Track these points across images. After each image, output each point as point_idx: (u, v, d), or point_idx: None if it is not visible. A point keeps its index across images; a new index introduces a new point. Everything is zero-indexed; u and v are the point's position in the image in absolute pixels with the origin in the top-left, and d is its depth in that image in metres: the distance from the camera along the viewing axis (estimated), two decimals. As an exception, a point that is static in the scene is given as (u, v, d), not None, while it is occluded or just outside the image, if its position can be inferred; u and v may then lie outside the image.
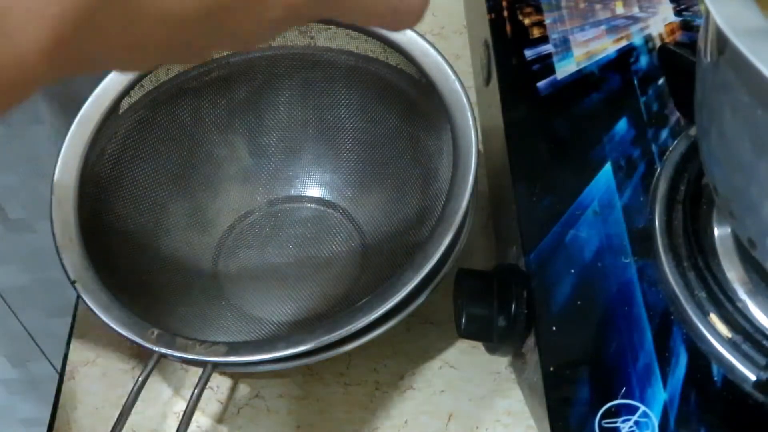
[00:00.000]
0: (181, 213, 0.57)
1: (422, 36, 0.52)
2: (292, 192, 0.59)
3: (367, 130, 0.57)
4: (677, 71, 0.46)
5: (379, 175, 0.57)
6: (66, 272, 0.47)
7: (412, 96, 0.54)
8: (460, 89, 0.49)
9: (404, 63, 0.53)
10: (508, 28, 0.53)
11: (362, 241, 0.56)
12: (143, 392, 0.46)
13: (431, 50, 0.51)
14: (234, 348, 0.45)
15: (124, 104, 0.54)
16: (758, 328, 0.40)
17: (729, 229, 0.43)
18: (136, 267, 0.53)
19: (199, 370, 0.45)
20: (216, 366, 0.45)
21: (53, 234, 0.49)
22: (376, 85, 0.56)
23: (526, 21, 0.53)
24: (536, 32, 0.53)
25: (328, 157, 0.59)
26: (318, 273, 0.56)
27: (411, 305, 0.47)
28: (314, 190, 0.59)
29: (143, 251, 0.54)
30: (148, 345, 0.45)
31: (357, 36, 0.54)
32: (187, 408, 0.44)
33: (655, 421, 0.39)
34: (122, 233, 0.53)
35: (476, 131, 0.48)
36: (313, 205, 0.59)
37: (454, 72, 0.50)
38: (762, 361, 0.39)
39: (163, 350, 0.45)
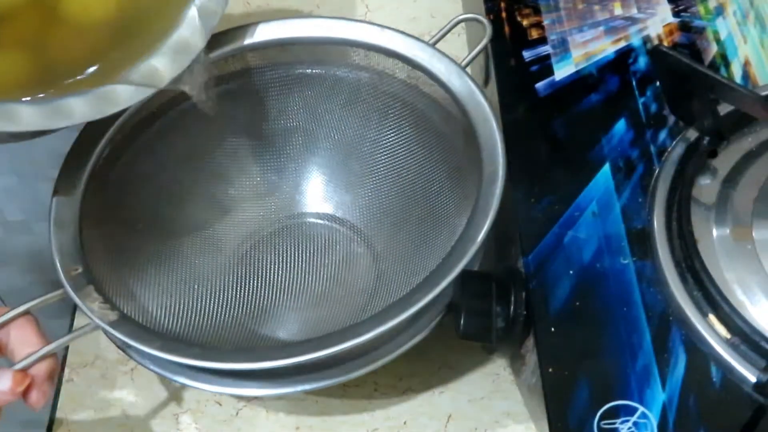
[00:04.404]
0: (190, 230, 0.56)
1: (456, 63, 0.50)
2: (304, 209, 0.58)
3: (385, 150, 0.56)
4: (671, 73, 0.46)
5: (396, 197, 0.56)
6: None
7: (434, 119, 0.53)
8: (491, 117, 0.48)
9: (436, 92, 0.51)
10: (506, 29, 0.53)
11: (375, 264, 0.55)
12: (142, 393, 0.46)
13: (469, 82, 0.50)
14: (122, 322, 0.44)
15: (129, 114, 0.52)
16: (757, 330, 0.40)
17: (727, 230, 0.43)
18: (141, 287, 0.51)
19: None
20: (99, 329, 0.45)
21: (57, 269, 0.47)
22: (396, 106, 0.55)
23: (525, 22, 0.53)
24: (534, 33, 0.53)
25: (342, 175, 0.58)
26: (327, 294, 0.55)
27: (411, 340, 0.46)
28: (326, 208, 0.58)
29: (148, 269, 0.52)
30: (62, 276, 0.45)
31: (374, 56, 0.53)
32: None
33: (654, 422, 0.39)
34: (126, 255, 0.52)
35: (505, 169, 0.46)
36: (323, 222, 0.58)
37: (485, 97, 0.49)
38: (761, 362, 0.39)
39: (69, 289, 0.45)
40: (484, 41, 0.52)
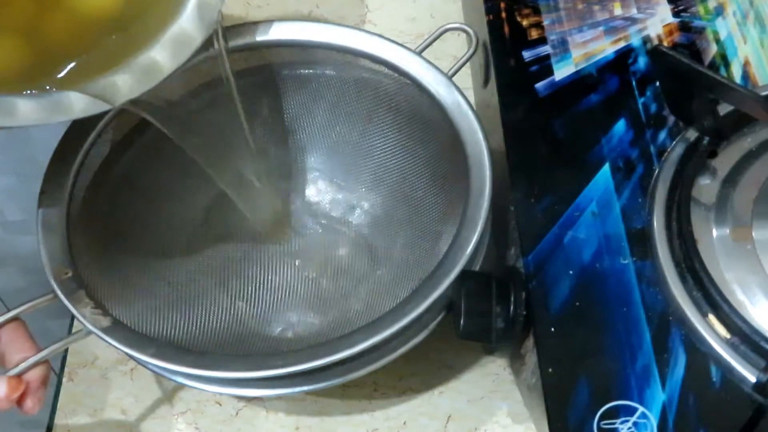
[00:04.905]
0: (182, 234, 0.55)
1: (443, 73, 0.50)
2: (297, 215, 0.58)
3: (375, 158, 0.56)
4: (671, 73, 0.46)
5: (389, 205, 0.56)
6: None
7: (422, 127, 0.53)
8: (478, 128, 0.48)
9: (424, 100, 0.51)
10: (506, 29, 0.53)
11: (370, 270, 0.55)
12: (141, 393, 0.46)
13: (456, 92, 0.50)
14: (115, 328, 0.44)
15: (113, 114, 0.51)
16: (757, 330, 0.40)
17: (727, 230, 0.43)
18: (136, 288, 0.51)
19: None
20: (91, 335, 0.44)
21: (47, 272, 0.46)
22: (381, 112, 0.55)
23: (524, 22, 0.53)
24: (534, 33, 0.53)
25: (335, 181, 0.58)
26: (320, 300, 0.55)
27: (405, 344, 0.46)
28: (321, 213, 0.58)
29: (140, 274, 0.52)
30: (52, 280, 0.45)
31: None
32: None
33: (654, 422, 0.39)
34: (116, 259, 0.51)
35: (492, 180, 0.46)
36: (317, 228, 0.58)
37: (471, 108, 0.49)
38: (761, 362, 0.39)
39: (60, 293, 0.44)
40: (470, 52, 0.52)
